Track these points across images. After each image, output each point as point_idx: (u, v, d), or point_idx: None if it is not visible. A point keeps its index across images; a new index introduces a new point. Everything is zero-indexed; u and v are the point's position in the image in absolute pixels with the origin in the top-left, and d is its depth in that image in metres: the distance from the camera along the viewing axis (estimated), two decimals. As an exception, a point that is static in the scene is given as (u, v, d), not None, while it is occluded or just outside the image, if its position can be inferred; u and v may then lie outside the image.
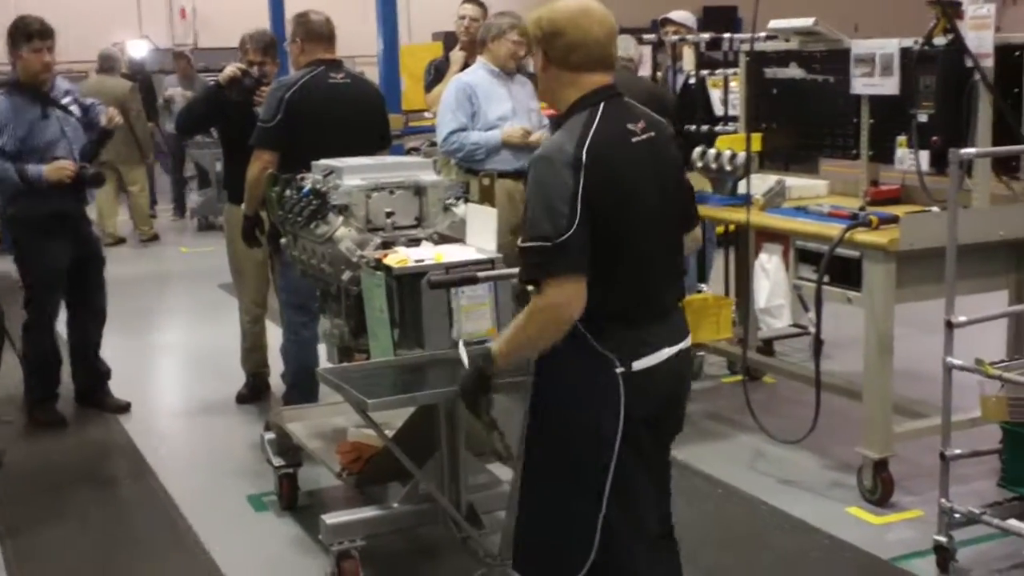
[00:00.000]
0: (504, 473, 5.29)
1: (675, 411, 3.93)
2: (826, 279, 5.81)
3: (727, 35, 7.87)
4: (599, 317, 3.60)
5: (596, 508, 3.69)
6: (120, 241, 14.65)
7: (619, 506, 3.70)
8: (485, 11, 8.54)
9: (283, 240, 5.91)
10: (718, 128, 7.64)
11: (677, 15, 8.47)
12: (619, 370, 3.63)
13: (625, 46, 7.21)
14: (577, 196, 3.48)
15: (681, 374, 3.87)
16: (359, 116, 6.62)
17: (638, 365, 3.65)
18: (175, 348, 9.69)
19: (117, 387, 7.95)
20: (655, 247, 3.72)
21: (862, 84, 6.42)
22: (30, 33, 7.23)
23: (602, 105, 3.65)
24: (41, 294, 7.53)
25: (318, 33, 6.70)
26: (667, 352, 3.74)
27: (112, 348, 8.10)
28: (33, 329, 7.52)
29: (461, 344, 4.36)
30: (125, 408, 7.83)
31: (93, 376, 7.93)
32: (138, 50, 22.58)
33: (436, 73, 8.85)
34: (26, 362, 7.59)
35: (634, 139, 3.66)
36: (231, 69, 7.34)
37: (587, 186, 3.48)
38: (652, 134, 3.72)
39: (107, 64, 14.45)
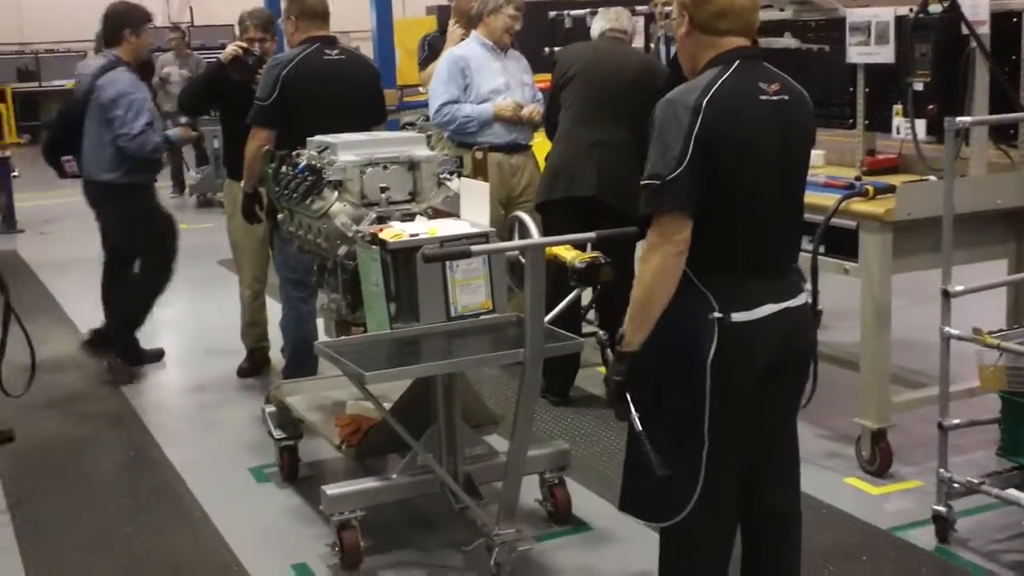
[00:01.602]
0: (500, 444, 5.31)
1: (783, 374, 3.88)
2: (822, 250, 5.77)
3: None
4: (703, 261, 3.66)
5: (698, 447, 3.72)
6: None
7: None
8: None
9: (280, 216, 5.93)
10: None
11: None
12: (715, 315, 3.65)
13: (618, 18, 7.17)
14: (691, 138, 3.56)
15: (790, 333, 3.82)
16: (354, 92, 6.63)
17: (737, 317, 3.67)
18: (177, 324, 9.69)
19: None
20: (769, 203, 3.76)
21: (857, 53, 6.39)
22: (147, 18, 7.85)
23: (737, 62, 3.72)
24: (153, 258, 8.06)
25: (313, 10, 6.69)
26: (770, 308, 3.75)
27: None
28: (144, 295, 8.06)
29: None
30: (159, 356, 8.31)
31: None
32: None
33: (430, 50, 8.81)
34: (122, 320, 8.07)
35: (762, 96, 3.72)
36: (233, 48, 7.36)
37: (702, 130, 3.57)
38: (785, 97, 3.77)
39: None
